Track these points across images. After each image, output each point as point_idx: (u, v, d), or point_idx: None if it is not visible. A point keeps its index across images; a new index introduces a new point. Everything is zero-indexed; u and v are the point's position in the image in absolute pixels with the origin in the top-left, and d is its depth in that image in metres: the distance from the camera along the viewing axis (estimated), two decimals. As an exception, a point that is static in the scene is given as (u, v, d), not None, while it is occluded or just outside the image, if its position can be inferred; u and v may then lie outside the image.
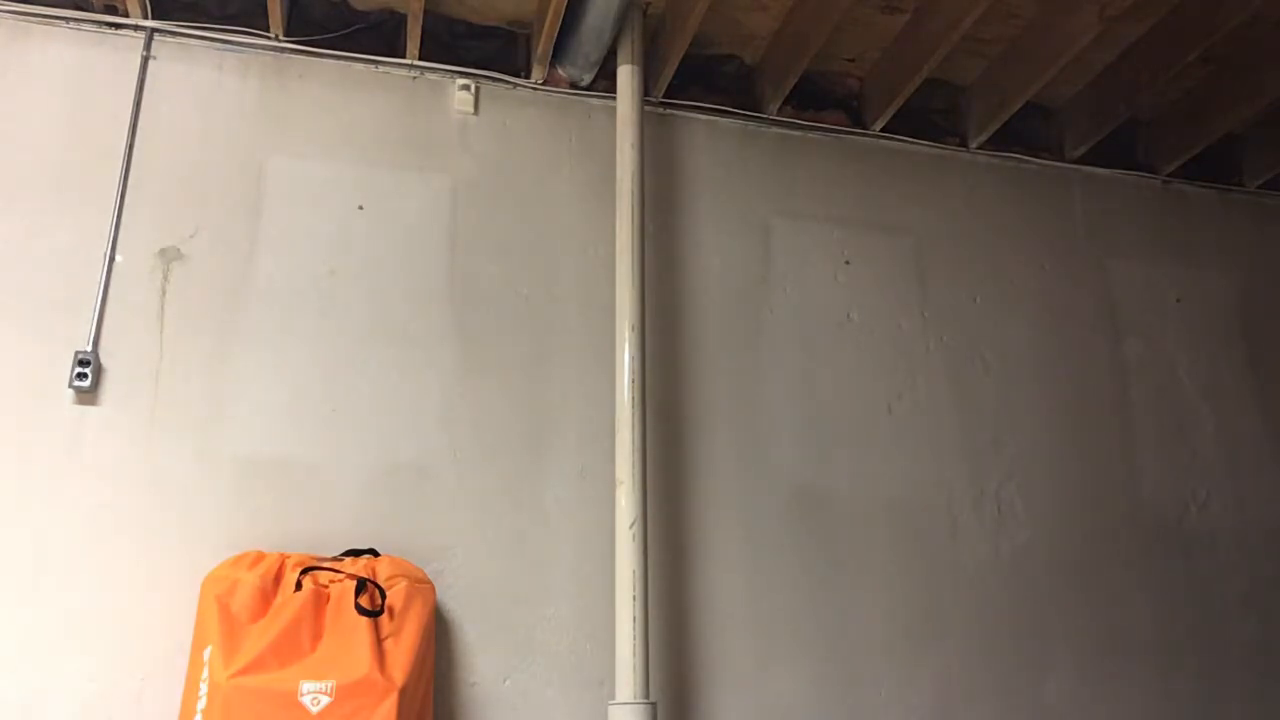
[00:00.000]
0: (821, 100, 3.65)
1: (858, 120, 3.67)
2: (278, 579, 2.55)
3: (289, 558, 2.61)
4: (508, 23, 3.40)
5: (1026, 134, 3.81)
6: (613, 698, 2.70)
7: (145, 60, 3.09)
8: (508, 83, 3.37)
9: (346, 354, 2.97)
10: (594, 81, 3.38)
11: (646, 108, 3.31)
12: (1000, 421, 3.46)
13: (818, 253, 3.49)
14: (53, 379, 2.75)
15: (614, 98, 3.26)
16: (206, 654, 2.40)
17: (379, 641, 2.47)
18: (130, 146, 2.99)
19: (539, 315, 3.16)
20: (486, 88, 3.35)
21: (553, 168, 3.33)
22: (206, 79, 3.13)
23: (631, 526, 2.80)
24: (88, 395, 2.76)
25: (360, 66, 3.26)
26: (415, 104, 3.27)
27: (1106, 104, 3.65)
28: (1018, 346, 3.57)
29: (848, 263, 3.51)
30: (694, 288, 3.33)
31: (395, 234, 3.12)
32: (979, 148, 3.75)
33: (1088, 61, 3.46)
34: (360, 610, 2.49)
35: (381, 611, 2.53)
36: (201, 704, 2.33)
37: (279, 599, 2.51)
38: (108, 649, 2.60)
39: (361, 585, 2.54)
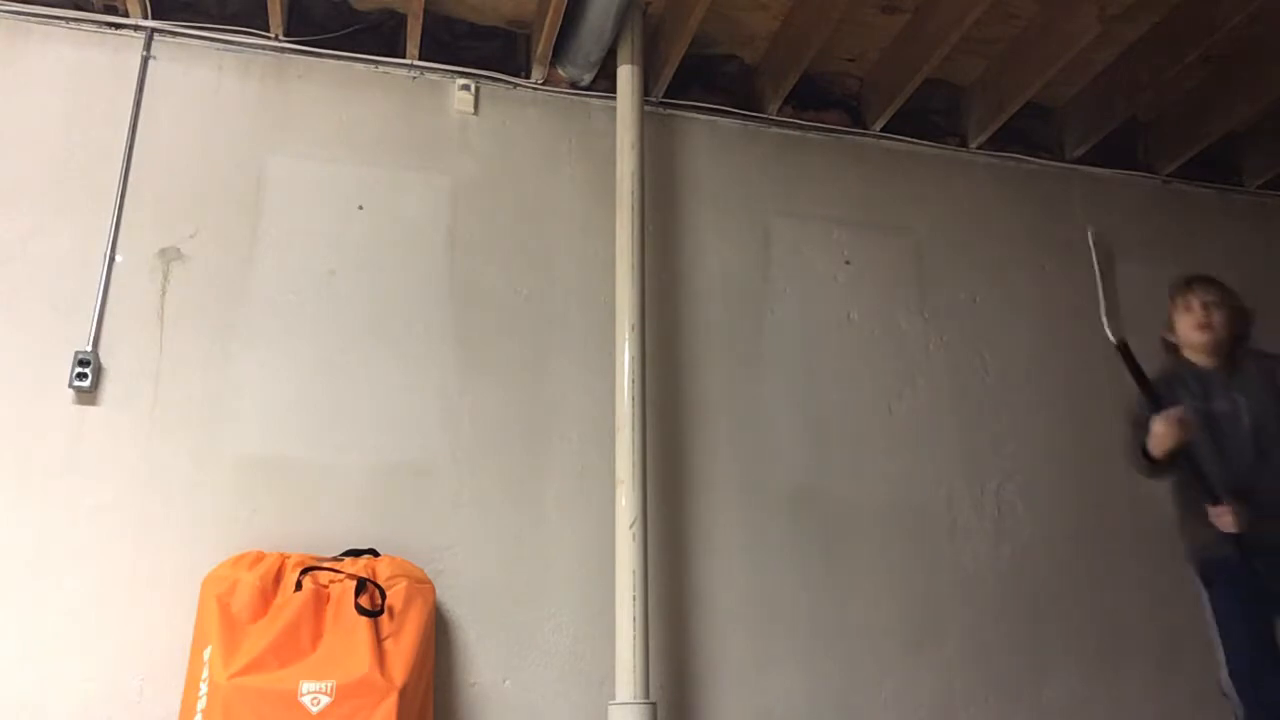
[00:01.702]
0: (821, 100, 3.65)
1: (858, 120, 3.67)
2: (278, 579, 2.55)
3: (289, 558, 2.61)
4: (508, 23, 3.40)
5: (1026, 134, 3.81)
6: (613, 698, 2.70)
7: (145, 60, 3.09)
8: (508, 83, 3.37)
9: (346, 354, 2.97)
10: (594, 81, 3.38)
11: (646, 108, 3.31)
12: (1000, 421, 3.46)
13: (818, 253, 3.49)
14: (53, 379, 2.75)
15: (614, 98, 3.26)
16: (206, 654, 2.40)
17: (379, 641, 2.47)
18: (130, 146, 2.99)
19: (539, 315, 3.16)
20: (486, 88, 3.35)
21: (553, 168, 3.33)
22: (206, 79, 3.13)
23: (631, 526, 2.80)
24: (88, 395, 2.76)
25: (360, 66, 3.26)
26: (415, 104, 3.27)
27: (1106, 104, 3.65)
28: (1018, 346, 3.57)
29: (848, 263, 3.50)
30: (694, 288, 3.33)
31: (395, 234, 3.12)
32: (979, 148, 3.75)
33: (1088, 61, 3.46)
34: (360, 610, 2.49)
35: (381, 611, 2.53)
36: (201, 704, 2.34)
37: (279, 599, 2.51)
38: (108, 649, 2.60)
39: (361, 585, 2.54)
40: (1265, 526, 2.48)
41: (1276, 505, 2.52)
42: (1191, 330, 2.70)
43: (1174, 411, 2.53)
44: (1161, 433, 2.52)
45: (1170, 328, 2.78)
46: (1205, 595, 2.58)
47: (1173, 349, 2.78)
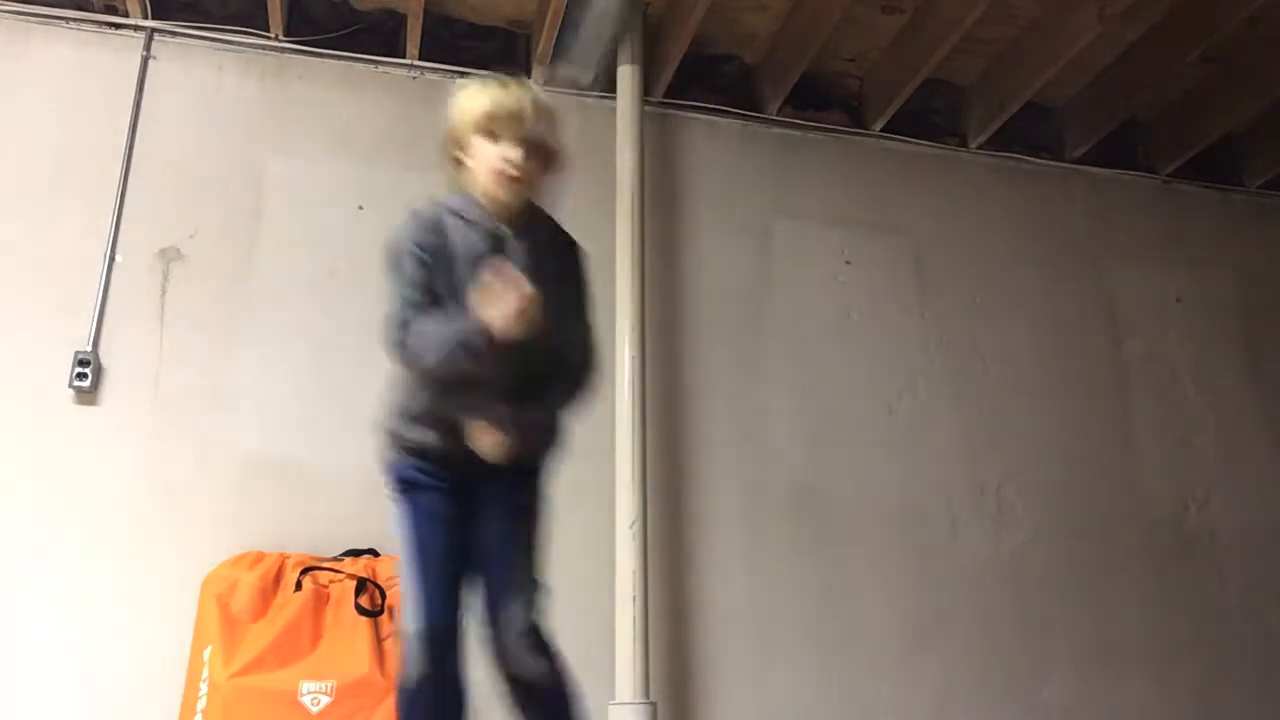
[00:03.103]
0: (821, 100, 3.65)
1: (858, 120, 3.67)
2: (278, 579, 2.55)
3: (289, 558, 2.61)
4: (508, 23, 3.40)
5: (1026, 134, 3.81)
6: (613, 698, 2.70)
7: (145, 60, 3.09)
8: (508, 83, 3.36)
9: (346, 354, 2.96)
10: (594, 81, 3.38)
11: (646, 108, 3.31)
12: (1000, 421, 3.46)
13: (818, 253, 3.48)
14: (53, 379, 2.75)
15: (614, 98, 3.26)
16: (206, 654, 2.40)
17: (379, 641, 2.47)
18: (130, 146, 2.99)
19: (539, 315, 3.15)
20: (486, 88, 3.34)
21: (553, 168, 3.32)
22: (206, 79, 3.13)
23: (631, 526, 2.80)
24: (88, 395, 2.76)
25: (360, 66, 3.26)
26: (415, 104, 3.27)
27: (1106, 104, 3.65)
28: (1018, 346, 3.57)
29: (848, 263, 3.50)
30: (694, 288, 3.33)
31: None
32: (979, 148, 3.74)
33: (1088, 61, 3.45)
34: (360, 610, 2.49)
35: (382, 611, 2.53)
36: (202, 704, 2.34)
37: (279, 599, 2.51)
38: (108, 649, 2.60)
39: (362, 585, 2.54)
40: (524, 447, 1.82)
41: (543, 425, 1.90)
42: (494, 178, 1.82)
43: (521, 282, 1.68)
44: (509, 304, 1.67)
45: (461, 144, 1.85)
46: (401, 511, 1.84)
47: (460, 167, 1.87)
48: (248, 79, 3.16)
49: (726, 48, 3.55)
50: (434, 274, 1.78)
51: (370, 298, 3.01)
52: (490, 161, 1.82)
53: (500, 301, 1.68)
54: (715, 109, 3.53)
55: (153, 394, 2.81)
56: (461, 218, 1.83)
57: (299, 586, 2.51)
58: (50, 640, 2.57)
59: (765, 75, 3.55)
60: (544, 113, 1.87)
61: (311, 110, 3.18)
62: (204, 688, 2.35)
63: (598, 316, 2.96)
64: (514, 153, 1.81)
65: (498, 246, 1.82)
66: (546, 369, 1.86)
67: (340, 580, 2.56)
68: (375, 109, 3.22)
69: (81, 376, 2.74)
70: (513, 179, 1.81)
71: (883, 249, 3.56)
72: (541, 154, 1.86)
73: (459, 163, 1.86)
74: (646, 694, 2.68)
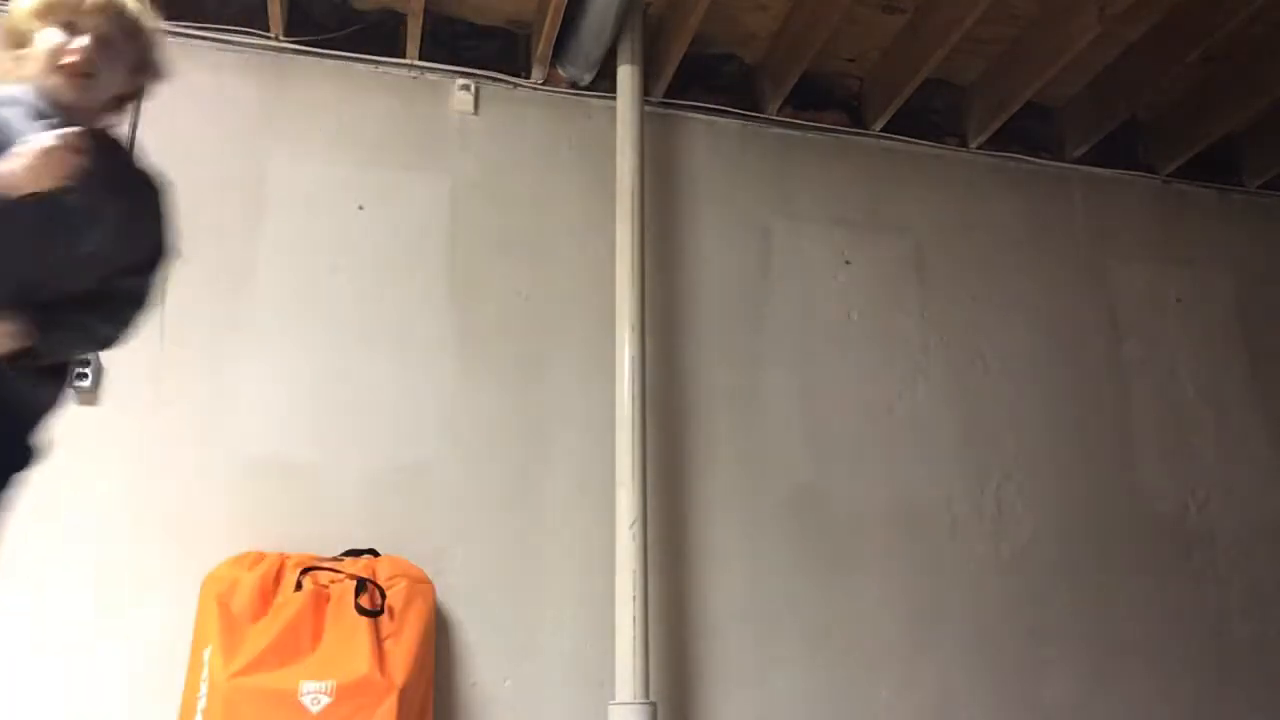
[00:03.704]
0: (821, 100, 3.65)
1: (858, 120, 3.67)
2: (278, 579, 2.55)
3: (289, 558, 2.61)
4: (508, 23, 3.40)
5: (1026, 134, 3.81)
6: (613, 698, 2.70)
7: (145, 60, 3.08)
8: (508, 83, 3.36)
9: (346, 354, 2.97)
10: (594, 81, 3.38)
11: (646, 108, 3.30)
12: (1000, 421, 3.46)
13: (818, 253, 3.49)
14: (53, 379, 2.75)
15: (614, 98, 3.26)
16: (206, 654, 2.40)
17: (379, 641, 2.47)
18: (129, 146, 2.99)
19: (539, 315, 3.16)
20: (486, 88, 3.35)
21: (553, 168, 3.33)
22: (206, 79, 3.12)
23: (631, 526, 2.80)
24: (88, 395, 2.76)
25: (360, 66, 3.26)
26: (415, 104, 3.27)
27: (1106, 104, 3.65)
28: (1018, 346, 3.57)
29: (848, 263, 3.50)
30: (694, 288, 3.33)
31: (395, 234, 3.12)
32: (979, 148, 3.74)
33: (1088, 61, 3.45)
34: (360, 610, 2.49)
35: (381, 611, 2.53)
36: (201, 704, 2.34)
37: (279, 599, 2.51)
38: (108, 649, 2.60)
39: (361, 585, 2.54)
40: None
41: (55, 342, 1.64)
42: (49, 64, 1.59)
43: (73, 134, 1.46)
44: (45, 158, 1.43)
45: (22, 31, 1.61)
46: None
47: (19, 61, 1.62)
48: (248, 79, 3.15)
49: (726, 47, 3.55)
50: None
51: (371, 297, 3.04)
52: (49, 46, 1.56)
53: (24, 153, 1.42)
54: (715, 109, 3.53)
55: (153, 394, 2.81)
56: (22, 106, 1.54)
57: (299, 586, 2.51)
58: (50, 640, 2.57)
59: (765, 75, 3.55)
60: (134, 17, 1.64)
61: (311, 110, 3.18)
62: (204, 688, 2.35)
63: (598, 317, 3.00)
64: (79, 40, 1.57)
65: (40, 118, 1.55)
66: (69, 303, 1.63)
67: (340, 580, 2.56)
68: (375, 109, 3.22)
69: (81, 376, 2.74)
70: (72, 68, 1.57)
71: (883, 249, 3.56)
72: (123, 59, 1.64)
73: (18, 56, 1.60)
74: (646, 694, 2.68)
